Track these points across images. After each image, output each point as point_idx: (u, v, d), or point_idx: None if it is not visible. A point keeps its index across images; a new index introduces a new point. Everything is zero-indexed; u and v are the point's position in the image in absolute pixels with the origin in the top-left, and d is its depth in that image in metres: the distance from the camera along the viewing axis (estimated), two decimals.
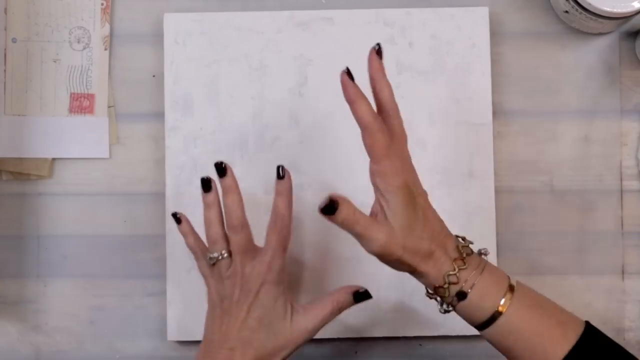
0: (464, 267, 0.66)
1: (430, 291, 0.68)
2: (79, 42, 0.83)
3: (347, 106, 0.81)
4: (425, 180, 0.80)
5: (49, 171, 0.82)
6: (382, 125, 0.65)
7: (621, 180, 0.83)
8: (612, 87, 0.83)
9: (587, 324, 0.67)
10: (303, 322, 0.71)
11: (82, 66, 0.83)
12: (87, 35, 0.83)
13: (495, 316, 0.66)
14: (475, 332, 0.80)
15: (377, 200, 0.67)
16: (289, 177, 0.72)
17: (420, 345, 0.82)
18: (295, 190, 0.81)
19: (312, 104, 0.81)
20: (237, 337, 0.69)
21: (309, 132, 0.81)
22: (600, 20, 0.79)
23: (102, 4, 0.83)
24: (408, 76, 0.81)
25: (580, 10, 0.79)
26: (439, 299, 0.68)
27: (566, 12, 0.81)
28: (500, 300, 0.66)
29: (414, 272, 0.67)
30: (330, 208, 0.64)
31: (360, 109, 0.65)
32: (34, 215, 0.82)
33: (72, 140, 0.82)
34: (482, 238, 0.80)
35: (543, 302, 0.68)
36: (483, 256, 0.68)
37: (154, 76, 0.83)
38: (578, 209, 0.82)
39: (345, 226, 0.65)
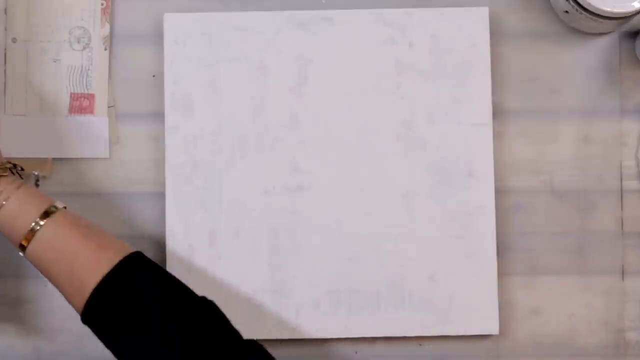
0: None
1: None
2: (79, 42, 0.83)
3: (347, 106, 0.81)
4: (425, 180, 0.81)
5: (49, 171, 0.82)
6: None
7: (621, 180, 0.83)
8: (612, 87, 0.83)
9: (136, 252, 0.68)
10: None
11: (82, 66, 0.83)
12: (87, 35, 0.83)
13: (32, 233, 0.66)
14: (475, 332, 0.81)
15: None
16: None
17: (420, 345, 0.82)
18: (295, 191, 0.81)
19: (312, 104, 0.81)
20: None
21: (309, 132, 0.81)
22: (600, 20, 0.79)
23: (102, 4, 0.83)
24: (408, 76, 0.81)
25: (580, 10, 0.79)
26: None
27: (566, 12, 0.81)
28: (37, 215, 0.67)
29: None
30: None
31: None
32: None
33: (72, 140, 0.82)
34: (482, 238, 0.80)
35: (89, 225, 0.69)
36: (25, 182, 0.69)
37: (154, 76, 0.83)
38: (578, 209, 0.82)
39: None
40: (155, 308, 0.66)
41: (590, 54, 0.83)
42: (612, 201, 0.82)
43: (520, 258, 0.82)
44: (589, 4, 0.77)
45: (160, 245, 0.81)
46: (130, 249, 0.69)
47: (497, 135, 0.82)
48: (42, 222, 0.67)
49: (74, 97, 0.83)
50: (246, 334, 0.80)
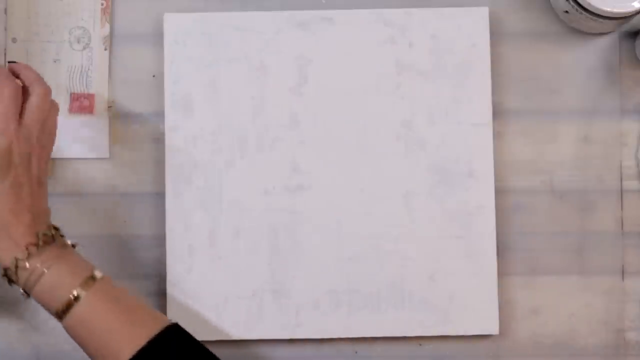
0: (38, 253, 0.65)
1: (1, 273, 0.67)
2: (79, 42, 0.83)
3: (347, 106, 0.81)
4: (425, 180, 0.81)
5: (49, 171, 0.82)
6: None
7: (621, 180, 0.83)
8: (612, 87, 0.83)
9: (171, 325, 0.67)
10: None
11: (82, 66, 0.83)
12: (87, 35, 0.83)
13: (69, 306, 0.65)
14: (475, 332, 0.81)
15: None
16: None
17: (420, 345, 0.82)
18: (295, 191, 0.81)
19: (312, 104, 0.81)
20: None
21: (309, 132, 0.81)
22: (600, 20, 0.79)
23: (102, 4, 0.83)
24: (408, 76, 0.81)
25: (580, 10, 0.79)
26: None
27: (566, 12, 0.81)
28: (74, 290, 0.65)
29: None
30: None
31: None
32: None
33: (72, 140, 0.82)
34: (482, 238, 0.80)
35: (122, 298, 0.68)
36: (69, 246, 0.68)
37: (154, 76, 0.83)
38: (578, 209, 0.82)
39: None
40: None
41: (590, 54, 0.83)
42: (612, 201, 0.82)
43: (520, 258, 0.82)
44: (589, 4, 0.77)
45: (160, 245, 0.81)
46: (166, 320, 0.68)
47: (497, 135, 0.82)
48: (80, 294, 0.66)
49: (74, 97, 0.83)
50: (246, 334, 0.80)
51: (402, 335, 0.81)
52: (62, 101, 0.82)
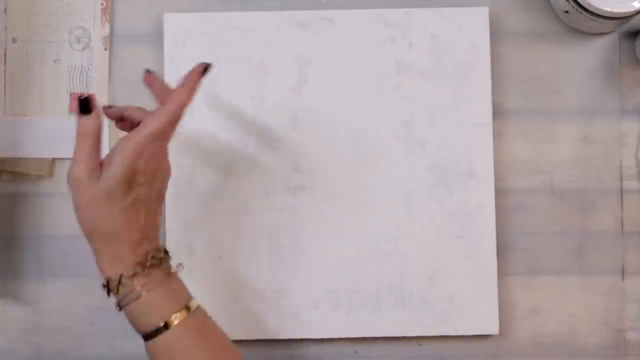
0: (143, 274, 0.65)
1: (103, 282, 0.67)
2: (79, 42, 0.83)
3: (347, 106, 0.81)
4: (425, 180, 0.81)
5: (49, 171, 0.82)
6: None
7: (621, 180, 0.83)
8: (612, 87, 0.83)
9: None
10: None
11: (82, 66, 0.83)
12: (87, 35, 0.83)
13: (159, 331, 0.65)
14: (475, 332, 0.81)
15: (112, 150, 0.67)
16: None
17: (420, 345, 0.82)
18: (295, 191, 0.81)
19: (312, 104, 0.81)
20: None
21: (309, 132, 0.81)
22: (600, 20, 0.79)
23: (102, 4, 0.83)
24: (408, 76, 0.81)
25: (580, 10, 0.79)
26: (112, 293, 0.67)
27: (566, 12, 0.81)
28: (169, 316, 0.65)
29: (92, 247, 0.67)
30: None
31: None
32: (34, 215, 0.82)
33: (72, 140, 0.82)
34: (482, 238, 0.80)
35: (210, 335, 0.68)
36: (174, 272, 0.68)
37: None
38: (578, 209, 0.82)
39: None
40: None
41: (590, 54, 0.83)
42: (612, 201, 0.82)
43: (520, 258, 0.82)
44: (589, 4, 0.77)
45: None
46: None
47: (497, 135, 0.82)
48: (170, 324, 0.66)
49: (74, 97, 0.83)
50: (246, 334, 0.80)
51: (402, 335, 0.81)
52: (62, 101, 0.82)
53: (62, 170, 0.82)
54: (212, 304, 0.80)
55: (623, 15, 0.77)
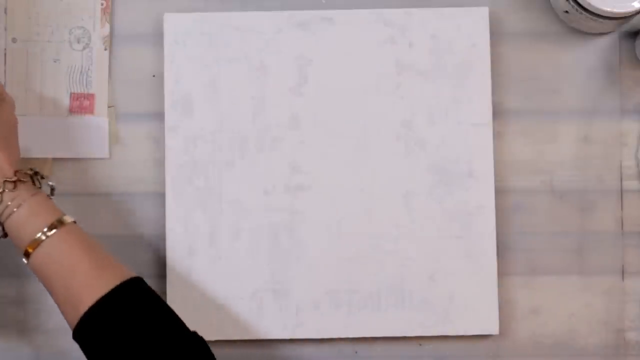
0: (13, 189, 0.68)
1: None
2: (79, 42, 0.83)
3: (347, 106, 0.81)
4: (425, 180, 0.81)
5: (49, 171, 0.82)
6: None
7: (621, 180, 0.83)
8: (612, 87, 0.83)
9: (136, 278, 0.68)
10: None
11: (82, 66, 0.83)
12: (87, 35, 0.83)
13: (36, 245, 0.67)
14: (475, 332, 0.81)
15: None
16: None
17: (420, 345, 0.82)
18: (295, 191, 0.81)
19: (312, 104, 0.81)
20: None
21: (309, 132, 0.81)
22: (600, 20, 0.79)
23: (102, 4, 0.83)
24: (408, 76, 0.81)
25: (580, 10, 0.79)
26: None
27: (566, 12, 0.81)
28: (44, 227, 0.67)
29: None
30: None
31: None
32: None
33: (72, 140, 0.82)
34: (482, 238, 0.80)
35: (92, 245, 0.69)
36: (41, 191, 0.70)
37: (154, 76, 0.83)
38: (578, 209, 0.82)
39: None
40: (145, 337, 0.66)
41: (590, 54, 0.83)
42: (612, 201, 0.82)
43: (520, 258, 0.82)
44: (589, 4, 0.77)
45: (161, 245, 0.81)
46: (131, 273, 0.69)
47: (497, 135, 0.82)
48: (48, 234, 0.68)
49: (74, 97, 0.83)
50: (246, 334, 0.80)
51: (402, 335, 0.81)
52: (62, 101, 0.82)
53: (62, 170, 0.82)
54: (213, 304, 0.80)
55: (623, 15, 0.77)
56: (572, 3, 0.79)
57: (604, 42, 0.83)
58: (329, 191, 0.81)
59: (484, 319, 0.80)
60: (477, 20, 0.82)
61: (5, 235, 0.70)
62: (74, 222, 0.70)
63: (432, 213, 0.81)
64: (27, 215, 0.68)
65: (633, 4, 0.77)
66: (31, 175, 0.71)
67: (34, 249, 0.68)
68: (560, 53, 0.83)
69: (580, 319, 0.82)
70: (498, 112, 0.82)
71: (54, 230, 0.68)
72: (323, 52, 0.82)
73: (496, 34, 0.82)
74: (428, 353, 0.82)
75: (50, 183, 0.72)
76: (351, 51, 0.82)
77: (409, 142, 0.81)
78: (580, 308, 0.82)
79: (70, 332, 0.83)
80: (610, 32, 0.83)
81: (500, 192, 0.82)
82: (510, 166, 0.82)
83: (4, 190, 0.68)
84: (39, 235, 0.68)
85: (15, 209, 0.68)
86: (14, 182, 0.68)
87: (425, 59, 0.82)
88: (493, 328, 0.80)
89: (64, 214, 0.70)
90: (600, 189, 0.83)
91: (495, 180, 0.81)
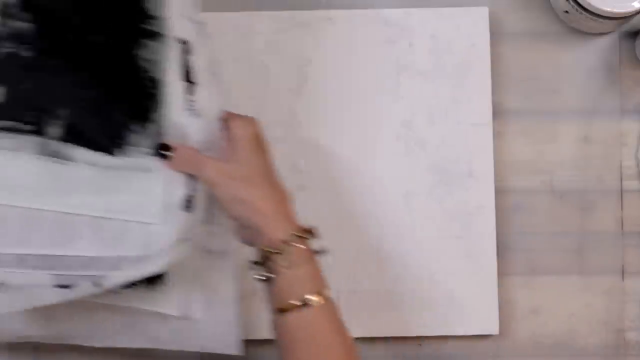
0: (302, 246, 0.66)
1: (259, 255, 0.67)
2: None
3: (347, 106, 0.81)
4: (425, 180, 0.81)
5: None
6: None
7: (621, 180, 0.83)
8: (612, 87, 0.83)
9: None
10: None
11: None
12: None
13: (306, 304, 0.66)
14: (475, 332, 0.81)
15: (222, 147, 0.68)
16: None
17: (420, 345, 0.82)
18: (296, 191, 0.81)
19: (312, 104, 0.81)
20: None
21: (309, 132, 0.81)
22: (600, 20, 0.79)
23: None
24: (408, 76, 0.81)
25: (580, 10, 0.79)
26: (260, 264, 0.67)
27: (566, 12, 0.81)
28: (311, 293, 0.66)
29: (251, 219, 0.67)
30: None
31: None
32: None
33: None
34: (482, 238, 0.80)
35: (341, 325, 0.68)
36: (316, 254, 0.68)
37: None
38: (578, 209, 0.82)
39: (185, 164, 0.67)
40: None
41: (590, 54, 0.83)
42: (612, 201, 0.82)
43: (520, 258, 0.82)
44: (589, 4, 0.77)
45: None
46: None
47: (497, 135, 0.82)
48: (313, 301, 0.66)
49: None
50: (247, 334, 0.80)
51: (402, 335, 0.81)
52: None
53: None
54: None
55: (623, 15, 0.77)
56: (572, 3, 0.79)
57: (604, 42, 0.83)
58: (329, 191, 0.81)
59: (484, 319, 0.80)
60: (477, 20, 0.82)
61: (265, 280, 0.68)
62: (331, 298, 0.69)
63: (432, 213, 0.81)
64: (301, 275, 0.67)
65: (633, 4, 0.77)
66: (309, 232, 0.69)
67: (293, 310, 0.66)
68: (560, 53, 0.83)
69: (580, 319, 0.82)
70: (498, 112, 0.82)
71: (318, 300, 0.66)
72: (323, 52, 0.82)
73: (496, 34, 0.82)
74: (428, 353, 0.82)
75: (322, 244, 0.69)
76: (351, 51, 0.82)
77: (409, 142, 0.81)
78: (580, 308, 0.82)
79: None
80: (610, 32, 0.83)
81: (500, 192, 0.82)
82: (510, 166, 0.82)
83: (290, 244, 0.66)
84: (304, 299, 0.66)
85: (293, 265, 0.66)
86: (301, 237, 0.67)
87: (425, 59, 0.82)
88: (493, 328, 0.80)
89: (328, 286, 0.68)
90: (600, 189, 0.83)
91: (495, 180, 0.81)
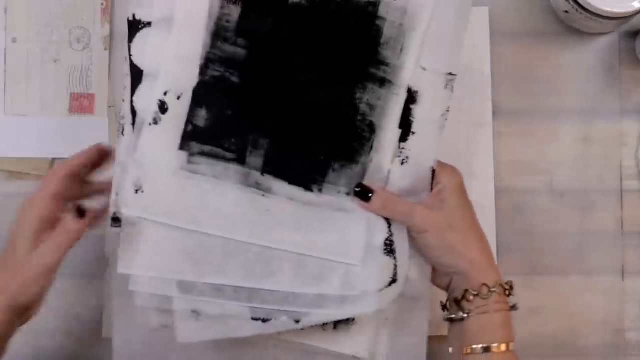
0: (504, 296, 0.67)
1: (456, 296, 0.68)
2: (79, 42, 0.83)
3: None
4: None
5: (49, 171, 0.82)
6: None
7: (621, 180, 0.83)
8: (612, 87, 0.83)
9: None
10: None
11: (82, 66, 0.83)
12: (87, 35, 0.83)
13: (489, 350, 0.66)
14: None
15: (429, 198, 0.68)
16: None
17: None
18: None
19: None
20: None
21: None
22: (600, 20, 0.79)
23: (102, 4, 0.83)
24: None
25: (580, 10, 0.79)
26: (454, 304, 0.68)
27: (566, 12, 0.81)
28: (500, 342, 0.66)
29: (459, 265, 0.67)
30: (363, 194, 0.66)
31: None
32: None
33: (72, 140, 0.82)
34: None
35: None
36: (511, 308, 0.68)
37: None
38: (578, 209, 0.82)
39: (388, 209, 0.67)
40: None
41: (590, 54, 0.83)
42: (612, 201, 0.82)
43: (520, 258, 0.82)
44: (589, 4, 0.77)
45: None
46: None
47: (497, 135, 0.82)
48: (498, 349, 0.66)
49: (74, 97, 0.83)
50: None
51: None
52: (62, 101, 0.82)
53: None
54: None
55: (623, 15, 0.77)
56: (572, 3, 0.79)
57: (604, 42, 0.83)
58: None
59: None
60: (477, 20, 0.82)
61: (458, 320, 0.68)
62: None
63: None
64: (495, 321, 0.67)
65: (633, 4, 0.77)
66: (511, 286, 0.68)
67: (474, 354, 0.66)
68: (560, 53, 0.83)
69: (581, 319, 0.82)
70: (498, 112, 0.82)
71: (504, 349, 0.66)
72: None
73: (496, 34, 0.82)
74: (428, 353, 0.82)
75: (514, 302, 0.69)
76: None
77: None
78: (580, 308, 0.82)
79: (70, 333, 0.83)
80: (610, 32, 0.83)
81: (500, 192, 0.82)
82: (510, 166, 0.82)
83: (492, 291, 0.66)
84: (493, 345, 0.66)
85: (490, 310, 0.67)
86: (504, 288, 0.67)
87: None
88: None
89: (514, 340, 0.67)
90: (600, 189, 0.82)
91: (495, 180, 0.81)
